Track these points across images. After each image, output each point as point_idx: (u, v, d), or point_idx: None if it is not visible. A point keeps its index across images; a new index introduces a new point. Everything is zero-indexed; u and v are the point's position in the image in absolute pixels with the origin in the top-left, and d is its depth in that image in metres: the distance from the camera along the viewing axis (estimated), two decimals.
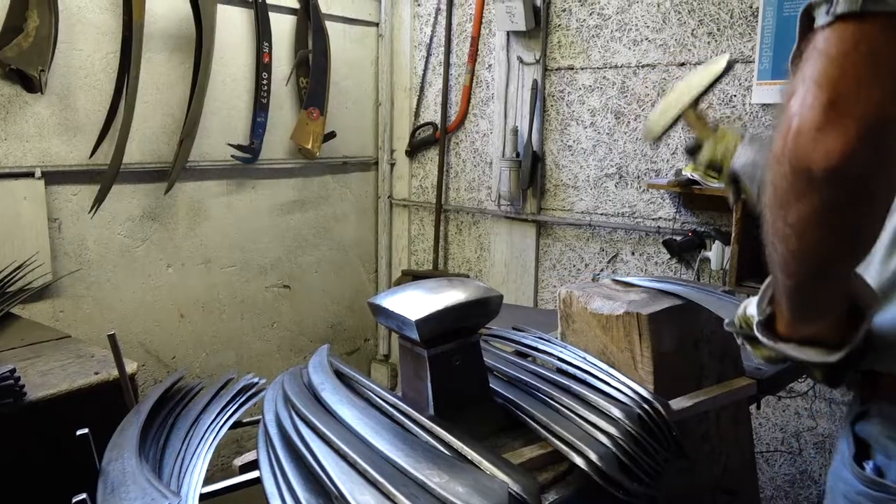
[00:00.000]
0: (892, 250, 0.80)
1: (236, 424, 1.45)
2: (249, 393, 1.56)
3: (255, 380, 1.62)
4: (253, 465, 1.23)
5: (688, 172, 2.37)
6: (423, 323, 1.17)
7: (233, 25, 2.80)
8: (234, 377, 1.62)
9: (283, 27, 2.98)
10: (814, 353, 0.76)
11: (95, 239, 2.52)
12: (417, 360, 1.24)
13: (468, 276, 3.24)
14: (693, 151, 1.42)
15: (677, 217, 2.61)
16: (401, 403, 1.21)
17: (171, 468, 1.19)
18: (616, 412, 1.18)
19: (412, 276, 3.28)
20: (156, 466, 1.18)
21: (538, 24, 2.84)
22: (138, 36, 2.39)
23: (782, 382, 1.60)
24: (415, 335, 1.19)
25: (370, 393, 1.30)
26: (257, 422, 1.38)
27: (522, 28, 2.82)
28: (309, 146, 3.02)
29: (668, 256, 2.64)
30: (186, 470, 1.19)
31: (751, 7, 2.37)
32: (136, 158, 2.56)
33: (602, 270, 2.83)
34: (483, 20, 3.08)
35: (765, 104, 2.37)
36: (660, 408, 1.21)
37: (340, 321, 3.40)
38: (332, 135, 3.13)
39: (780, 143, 0.62)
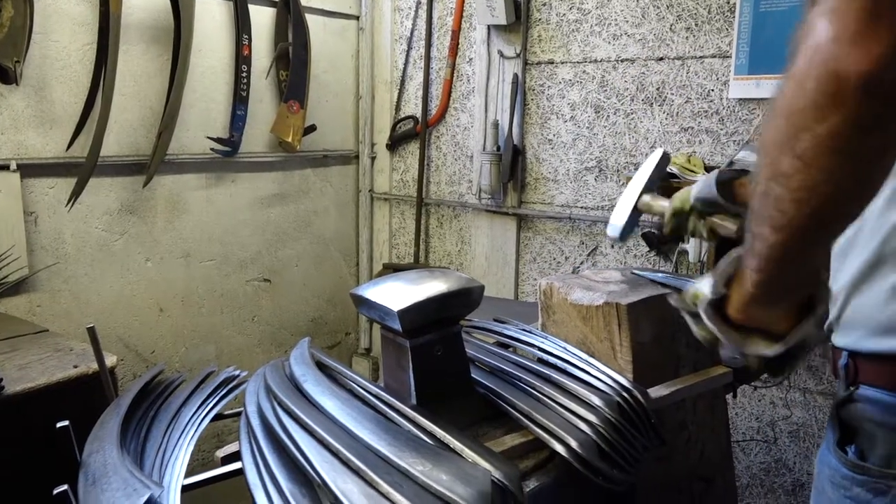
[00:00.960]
0: (880, 224, 0.79)
1: (218, 417, 1.45)
2: (231, 385, 1.56)
3: (237, 373, 1.62)
4: (235, 456, 1.23)
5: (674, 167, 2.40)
6: (405, 313, 1.18)
7: (212, 17, 2.78)
8: (215, 370, 1.61)
9: (262, 20, 2.96)
10: (756, 343, 0.77)
11: (73, 232, 2.49)
12: (400, 351, 1.25)
13: (449, 268, 3.25)
14: (651, 237, 1.42)
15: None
16: (383, 393, 1.22)
17: (153, 460, 1.19)
18: (596, 400, 1.20)
19: (393, 270, 3.29)
20: (137, 458, 1.18)
21: (518, 19, 2.85)
22: (115, 27, 2.37)
23: (758, 371, 1.63)
24: (397, 325, 1.20)
25: (352, 384, 1.30)
26: (239, 414, 1.38)
27: (503, 22, 2.83)
28: (289, 139, 3.01)
29: (647, 249, 2.67)
30: (168, 461, 1.19)
31: (728, 2, 2.40)
32: (114, 151, 2.53)
33: (582, 263, 2.86)
34: (464, 14, 3.08)
35: (741, 98, 2.40)
36: (639, 396, 1.23)
37: (321, 315, 3.39)
38: (312, 128, 3.12)
39: (804, 58, 0.58)
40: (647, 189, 1.45)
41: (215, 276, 2.94)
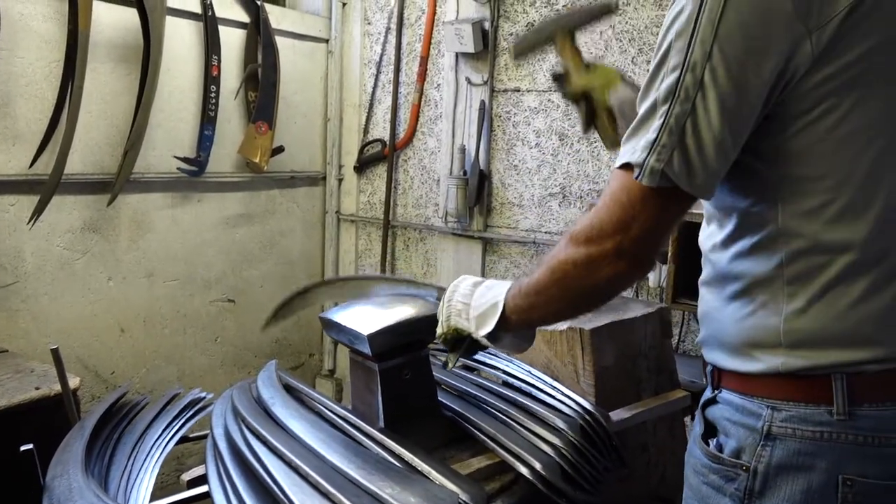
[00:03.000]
0: (726, 265, 0.96)
1: (183, 440, 1.44)
2: (196, 408, 1.56)
3: (203, 395, 1.61)
4: (201, 479, 1.22)
5: None
6: (374, 337, 1.20)
7: (181, 38, 2.78)
8: (180, 392, 1.61)
9: (232, 41, 2.98)
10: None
11: (33, 251, 2.45)
12: (368, 374, 1.27)
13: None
14: (560, 78, 1.46)
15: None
16: (351, 416, 1.24)
17: (118, 483, 1.18)
18: (559, 423, 1.23)
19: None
20: (102, 482, 1.17)
21: (486, 47, 2.91)
22: (83, 45, 2.36)
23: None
24: (366, 349, 1.22)
25: (320, 406, 1.32)
26: (204, 437, 1.38)
27: (471, 50, 2.89)
28: (256, 160, 3.01)
29: None
30: (133, 485, 1.18)
31: None
32: (79, 169, 2.50)
33: None
34: (432, 41, 3.14)
35: None
36: (601, 419, 1.27)
37: (285, 336, 3.38)
38: (280, 149, 3.13)
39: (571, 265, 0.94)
40: (573, 33, 1.49)
41: (179, 296, 2.91)
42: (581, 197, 2.79)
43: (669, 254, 2.23)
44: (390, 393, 1.25)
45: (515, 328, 1.09)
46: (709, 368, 1.01)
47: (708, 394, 1.00)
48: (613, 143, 1.38)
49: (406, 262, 3.34)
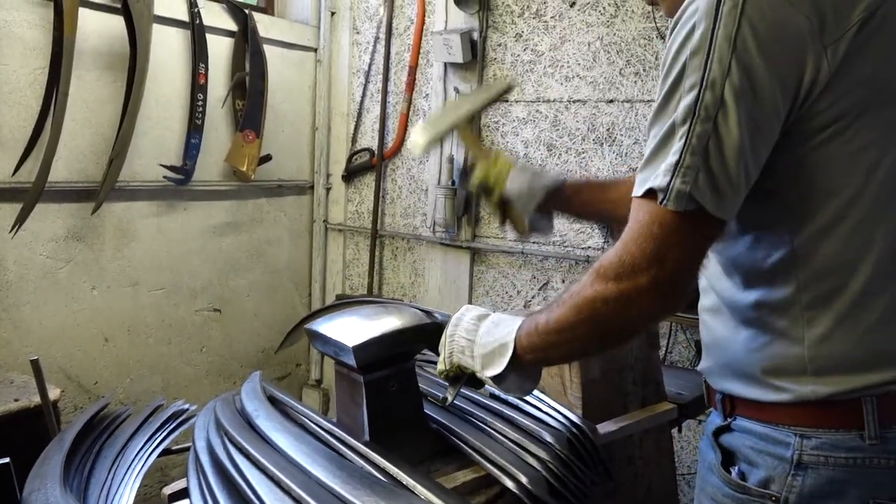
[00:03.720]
0: (732, 296, 0.96)
1: (165, 452, 1.42)
2: (179, 420, 1.54)
3: (185, 406, 1.59)
4: (182, 493, 1.20)
5: None
6: (360, 349, 1.19)
7: (168, 45, 2.77)
8: (163, 403, 1.59)
9: (220, 49, 2.97)
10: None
11: (15, 259, 2.42)
12: (353, 386, 1.26)
13: (402, 301, 3.26)
14: (467, 173, 1.46)
15: (605, 247, 2.71)
16: (336, 429, 1.22)
17: (97, 498, 1.16)
18: (546, 436, 1.22)
19: (346, 302, 3.28)
20: (81, 496, 1.15)
21: (475, 57, 2.92)
22: (69, 52, 2.34)
23: (702, 407, 1.68)
24: (351, 361, 1.21)
25: (305, 419, 1.30)
26: (187, 449, 1.36)
27: (459, 60, 2.89)
28: (244, 168, 2.99)
29: None
30: (113, 499, 1.16)
31: None
32: (63, 177, 2.48)
33: (534, 297, 2.90)
34: (421, 51, 3.14)
35: None
36: (587, 431, 1.26)
37: (272, 346, 3.35)
38: (267, 157, 3.12)
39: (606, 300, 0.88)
40: (472, 120, 1.49)
41: (164, 305, 2.88)
42: None
43: None
44: (376, 405, 1.24)
45: (529, 367, 1.04)
46: (718, 396, 0.99)
47: (719, 421, 0.99)
48: (524, 233, 1.42)
49: (394, 272, 3.33)
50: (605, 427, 1.35)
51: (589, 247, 2.74)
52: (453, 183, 2.99)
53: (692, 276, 0.86)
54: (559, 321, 0.94)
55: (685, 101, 0.80)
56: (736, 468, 0.94)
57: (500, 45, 2.91)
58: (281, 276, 3.38)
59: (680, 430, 1.67)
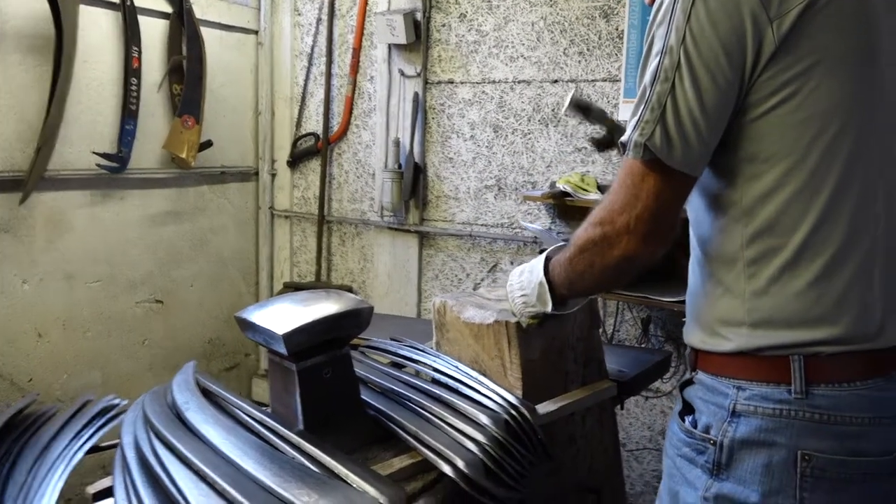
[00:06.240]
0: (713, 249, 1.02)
1: (93, 450, 1.36)
2: (109, 415, 1.48)
3: (116, 401, 1.53)
4: (108, 492, 1.16)
5: (561, 185, 2.47)
6: (290, 336, 1.16)
7: (97, 27, 2.65)
8: (92, 399, 1.52)
9: (154, 31, 2.86)
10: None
11: None
12: (286, 375, 1.22)
13: (351, 288, 3.22)
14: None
15: (553, 227, 2.71)
16: (269, 420, 1.19)
17: (14, 500, 1.10)
18: (483, 419, 1.21)
19: (294, 289, 3.22)
20: None
21: (419, 38, 2.88)
22: None
23: (643, 384, 1.69)
24: (282, 349, 1.17)
25: (238, 410, 1.26)
26: (115, 446, 1.30)
27: (403, 41, 2.84)
28: (183, 155, 2.90)
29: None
30: (32, 501, 1.11)
31: (616, 29, 2.51)
32: None
33: (483, 280, 2.89)
34: (364, 32, 3.08)
35: None
36: (525, 413, 1.25)
37: (218, 336, 3.28)
38: (208, 143, 3.03)
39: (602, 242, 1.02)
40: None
41: (102, 297, 2.78)
42: (516, 189, 2.78)
43: None
44: (309, 394, 1.21)
45: (570, 298, 1.21)
46: (687, 351, 1.09)
47: (687, 375, 1.10)
48: None
49: (342, 258, 3.28)
50: (544, 407, 1.34)
51: (537, 227, 2.74)
52: (399, 166, 2.95)
53: (663, 221, 0.96)
54: (570, 260, 1.10)
55: (652, 65, 0.92)
56: (691, 416, 1.03)
57: (444, 25, 2.87)
58: (226, 265, 3.30)
59: (622, 408, 1.67)
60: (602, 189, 2.51)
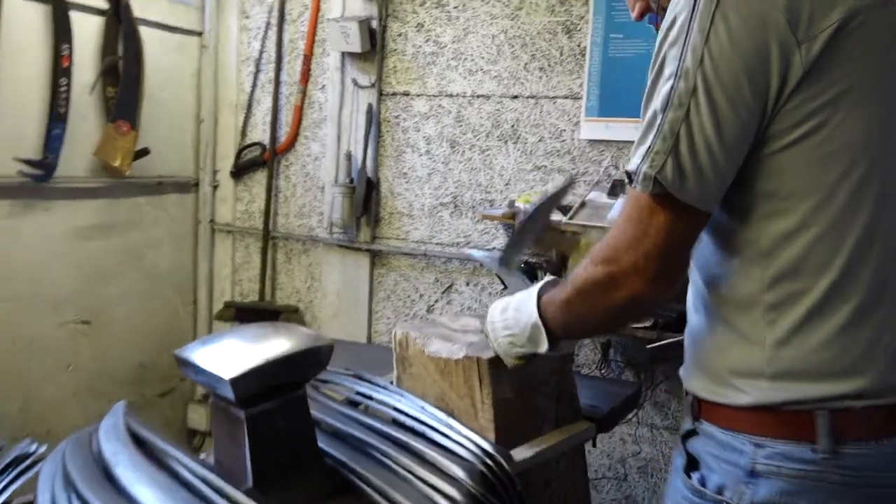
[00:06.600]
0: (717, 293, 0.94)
1: None
2: (24, 465, 1.29)
3: (33, 447, 1.34)
4: None
5: (520, 203, 2.37)
6: (239, 381, 1.01)
7: (22, 22, 2.43)
8: (3, 445, 1.33)
9: (87, 29, 2.65)
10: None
11: None
12: (233, 423, 1.07)
13: (297, 308, 3.05)
14: (560, 266, 1.51)
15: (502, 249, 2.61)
16: (213, 477, 1.03)
17: None
18: (458, 471, 1.09)
19: (236, 309, 3.04)
20: None
21: (374, 47, 2.75)
22: None
23: (616, 420, 1.61)
24: (229, 394, 1.02)
25: (177, 465, 1.10)
26: None
27: (357, 50, 2.72)
28: (117, 164, 2.69)
29: (502, 287, 2.63)
30: None
31: (579, 46, 2.45)
32: None
33: (437, 301, 2.78)
34: (316, 39, 2.94)
35: (592, 140, 2.45)
36: (502, 462, 1.13)
37: (152, 359, 3.05)
38: (144, 151, 2.82)
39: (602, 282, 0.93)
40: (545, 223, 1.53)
41: (20, 318, 2.53)
42: (473, 207, 2.68)
43: (565, 266, 2.16)
44: (260, 444, 1.06)
45: (563, 339, 1.10)
46: (689, 398, 1.00)
47: (688, 425, 1.00)
48: None
49: (288, 276, 3.11)
50: (520, 453, 1.23)
51: (494, 247, 2.64)
52: (351, 181, 2.81)
53: (673, 260, 0.88)
54: (567, 301, 1.00)
55: (664, 89, 0.83)
56: (698, 473, 0.94)
57: (400, 34, 2.75)
58: (161, 283, 3.08)
59: (594, 445, 1.58)
60: (563, 210, 2.43)
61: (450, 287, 2.75)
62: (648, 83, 0.87)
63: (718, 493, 0.89)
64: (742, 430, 0.88)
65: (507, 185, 2.61)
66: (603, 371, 2.49)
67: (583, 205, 2.31)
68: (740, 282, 0.89)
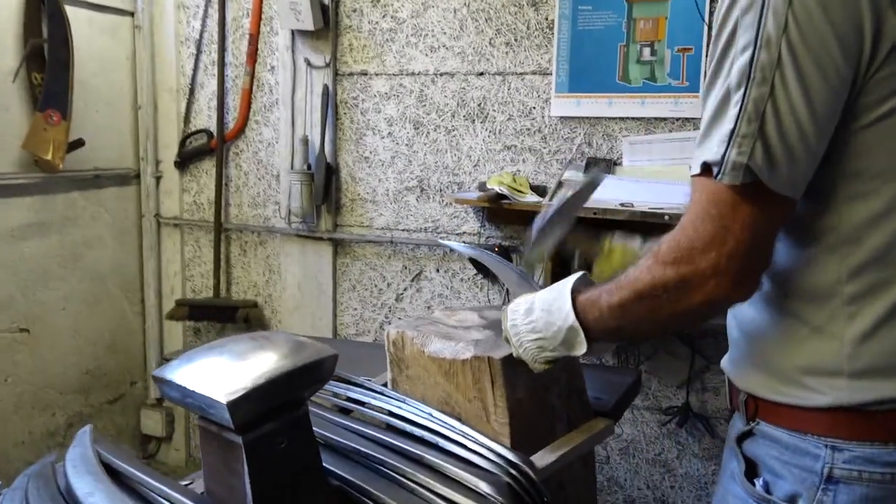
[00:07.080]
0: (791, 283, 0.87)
1: None
2: None
3: None
4: None
5: (493, 185, 2.27)
6: (238, 404, 0.88)
7: None
8: None
9: (5, 10, 2.40)
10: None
11: None
12: (229, 450, 0.94)
13: (256, 303, 2.88)
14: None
15: (482, 232, 2.52)
16: None
17: None
18: (482, 486, 0.99)
19: (188, 307, 2.85)
20: None
21: (327, 25, 2.59)
22: None
23: (622, 411, 1.53)
24: (226, 419, 0.89)
25: (160, 498, 0.96)
26: None
27: (310, 27, 2.55)
28: (48, 157, 2.46)
29: (475, 272, 2.54)
30: None
31: (546, 19, 2.35)
32: None
33: (406, 290, 2.66)
34: (263, 16, 2.75)
35: (563, 116, 2.36)
36: (528, 471, 1.04)
37: (99, 365, 2.84)
38: (79, 143, 2.59)
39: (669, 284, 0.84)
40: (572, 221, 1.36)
41: None
42: (440, 190, 2.56)
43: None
44: (260, 471, 0.93)
45: (602, 341, 1.00)
46: (742, 397, 0.92)
47: (741, 425, 0.93)
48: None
49: (244, 270, 2.93)
50: (541, 458, 1.14)
51: (464, 232, 2.54)
52: (309, 167, 2.65)
53: (759, 258, 0.80)
54: (621, 306, 0.90)
55: (739, 62, 0.74)
56: (760, 479, 0.88)
57: (355, 10, 2.59)
58: (105, 283, 2.86)
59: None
60: (536, 190, 2.34)
61: (419, 274, 2.63)
62: (715, 56, 0.77)
63: (790, 501, 0.83)
64: (815, 432, 0.82)
65: (475, 166, 2.51)
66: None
67: (560, 185, 2.23)
68: (814, 272, 0.82)
